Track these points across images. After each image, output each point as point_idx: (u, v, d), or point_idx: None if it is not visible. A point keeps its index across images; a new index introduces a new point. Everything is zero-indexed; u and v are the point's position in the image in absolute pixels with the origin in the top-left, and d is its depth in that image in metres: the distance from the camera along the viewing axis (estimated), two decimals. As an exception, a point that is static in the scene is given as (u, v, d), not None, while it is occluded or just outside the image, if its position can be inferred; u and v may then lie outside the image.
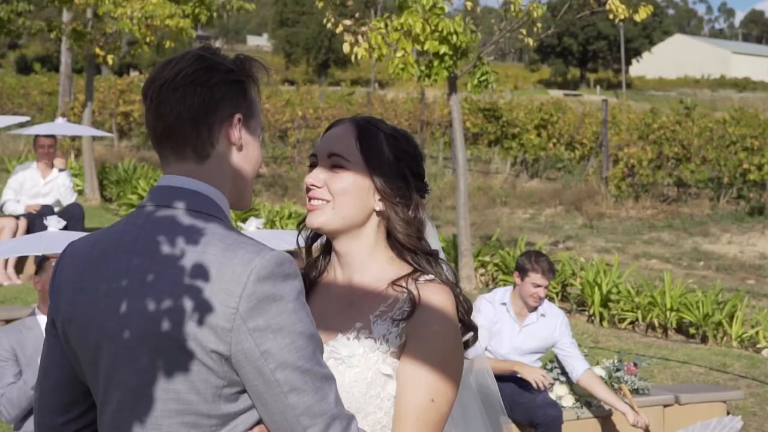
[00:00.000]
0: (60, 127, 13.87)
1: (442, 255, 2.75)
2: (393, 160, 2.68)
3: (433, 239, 2.77)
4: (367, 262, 2.68)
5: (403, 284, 2.59)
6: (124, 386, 2.26)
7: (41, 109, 28.71)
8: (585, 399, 7.87)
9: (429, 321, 2.53)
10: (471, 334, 2.70)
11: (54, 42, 18.31)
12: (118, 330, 2.26)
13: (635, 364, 8.29)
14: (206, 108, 2.32)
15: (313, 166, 2.71)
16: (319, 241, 2.79)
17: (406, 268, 2.66)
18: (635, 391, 8.20)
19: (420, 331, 2.53)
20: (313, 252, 2.83)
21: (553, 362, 7.85)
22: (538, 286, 7.35)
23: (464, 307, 2.65)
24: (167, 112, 2.32)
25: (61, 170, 12.51)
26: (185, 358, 2.19)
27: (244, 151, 2.41)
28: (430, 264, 2.66)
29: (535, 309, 7.46)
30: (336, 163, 2.67)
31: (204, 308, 2.16)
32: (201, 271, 2.18)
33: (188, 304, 2.17)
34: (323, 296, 2.72)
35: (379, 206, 2.67)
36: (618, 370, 8.14)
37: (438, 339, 2.53)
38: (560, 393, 7.86)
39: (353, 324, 2.59)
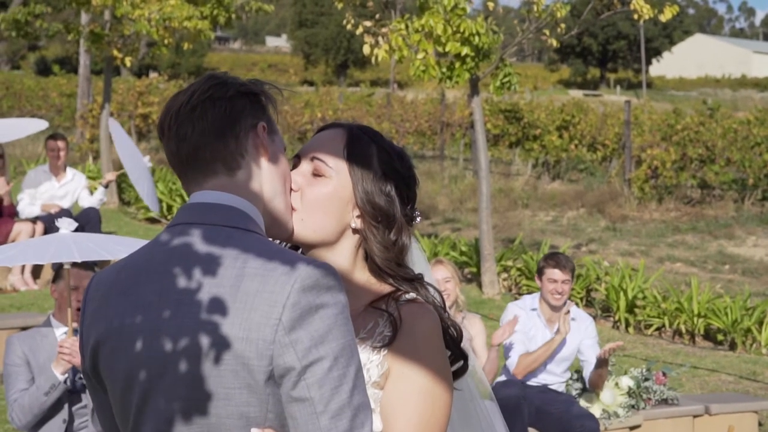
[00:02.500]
0: None
1: (433, 278, 2.51)
2: (380, 176, 2.43)
3: (420, 263, 2.53)
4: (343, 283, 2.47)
5: (383, 305, 2.35)
6: (159, 416, 2.13)
7: (60, 111, 28.67)
8: (613, 410, 7.68)
9: (413, 345, 2.29)
10: (461, 363, 2.46)
11: (73, 44, 18.23)
12: (150, 357, 2.12)
13: (664, 374, 8.12)
14: (229, 118, 2.23)
15: (295, 168, 2.47)
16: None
17: (386, 289, 2.41)
18: (664, 401, 8.03)
19: (403, 358, 2.29)
20: None
21: (579, 372, 7.67)
22: (555, 281, 7.22)
23: (453, 332, 2.41)
24: (190, 132, 2.22)
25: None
26: (226, 381, 2.05)
27: (274, 163, 2.29)
28: (415, 288, 2.41)
29: (558, 309, 7.29)
30: (316, 169, 2.42)
31: (246, 323, 2.03)
32: (242, 286, 2.05)
33: (229, 321, 2.04)
34: None
35: (356, 223, 2.42)
36: (647, 379, 7.98)
37: (424, 365, 2.29)
38: (588, 403, 7.69)
39: None
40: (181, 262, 2.13)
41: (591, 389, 7.52)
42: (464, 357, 2.46)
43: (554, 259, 7.28)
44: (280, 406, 2.07)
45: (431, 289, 2.45)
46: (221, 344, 2.04)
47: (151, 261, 2.18)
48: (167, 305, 2.11)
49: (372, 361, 2.30)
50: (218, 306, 2.06)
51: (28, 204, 11.98)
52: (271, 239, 2.28)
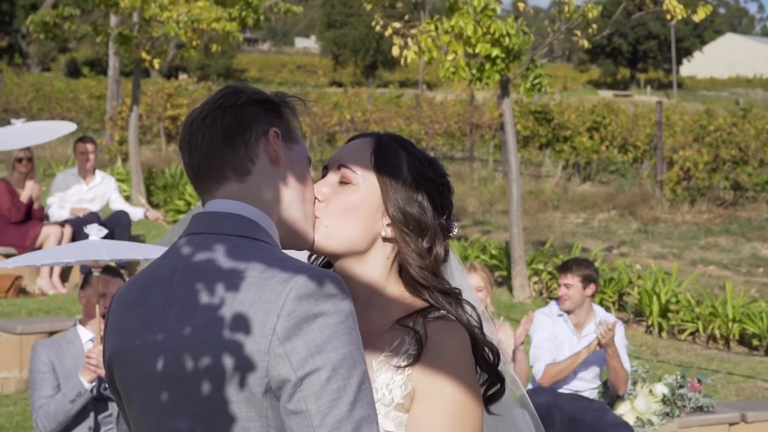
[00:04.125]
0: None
1: (474, 297, 2.39)
2: (411, 183, 2.32)
3: (460, 278, 2.41)
4: (373, 297, 2.32)
5: (410, 322, 2.24)
6: (162, 430, 2.09)
7: (90, 113, 28.71)
8: (647, 418, 7.57)
9: (438, 365, 2.18)
10: (498, 386, 2.32)
11: (103, 46, 18.22)
12: (153, 372, 2.08)
13: (699, 381, 8.00)
14: (239, 124, 2.19)
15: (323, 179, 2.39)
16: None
17: (419, 305, 2.29)
18: (699, 409, 7.91)
19: (428, 378, 2.17)
20: None
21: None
22: (560, 285, 7.25)
23: (488, 353, 2.28)
24: (200, 140, 2.20)
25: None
26: (225, 394, 1.99)
27: (290, 171, 2.22)
28: (450, 304, 2.29)
29: (570, 312, 7.24)
30: (343, 177, 2.33)
31: (242, 335, 1.97)
32: (239, 296, 1.99)
33: (226, 334, 1.98)
34: None
35: (387, 232, 2.32)
36: (681, 386, 7.87)
37: (451, 386, 2.17)
38: (620, 411, 7.58)
39: None
40: (184, 273, 2.11)
41: (612, 390, 7.41)
42: (502, 380, 2.34)
43: (566, 264, 7.41)
44: (280, 420, 2.00)
45: (467, 307, 2.33)
46: (218, 357, 1.99)
47: (160, 272, 2.17)
48: (169, 318, 2.08)
49: (395, 381, 2.20)
50: (215, 317, 2.02)
51: (58, 207, 11.97)
52: (284, 248, 2.21)
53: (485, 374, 2.29)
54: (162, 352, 2.07)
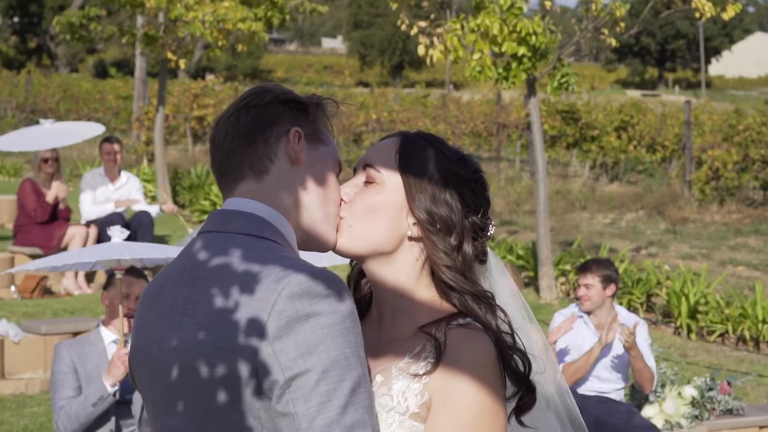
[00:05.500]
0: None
1: (511, 301, 2.30)
2: (438, 180, 2.24)
3: (499, 280, 2.31)
4: (402, 301, 2.24)
5: (433, 329, 2.15)
6: (166, 429, 2.09)
7: (117, 113, 28.83)
8: (676, 420, 7.47)
9: (456, 374, 2.09)
10: (527, 397, 2.22)
11: (130, 47, 18.27)
12: (158, 371, 2.08)
13: (729, 383, 7.90)
14: (260, 123, 2.17)
15: None
16: None
17: (447, 310, 2.21)
18: (728, 412, 7.80)
19: (446, 388, 2.09)
20: (363, 287, 2.39)
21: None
22: (580, 285, 7.17)
23: (517, 364, 2.18)
24: (222, 138, 2.20)
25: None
26: (220, 395, 1.97)
27: (311, 171, 2.18)
28: (480, 308, 2.19)
29: (592, 313, 7.15)
30: (368, 177, 2.27)
31: (233, 334, 1.94)
32: (236, 295, 1.98)
33: (219, 333, 1.97)
34: None
35: (413, 231, 2.23)
36: (711, 389, 7.77)
37: (469, 397, 2.08)
38: (649, 414, 7.49)
39: (374, 376, 2.15)
40: (190, 272, 2.11)
41: (639, 389, 7.33)
42: (533, 389, 2.23)
43: (582, 263, 7.38)
44: (273, 422, 1.95)
45: (500, 313, 2.23)
46: (211, 356, 1.97)
47: (173, 271, 2.17)
48: (175, 317, 2.08)
49: (411, 389, 2.12)
50: (212, 316, 2.00)
51: (92, 204, 11.96)
52: (304, 250, 2.19)
53: (514, 386, 2.20)
54: (166, 351, 2.07)
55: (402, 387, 2.12)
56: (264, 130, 2.18)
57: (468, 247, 2.24)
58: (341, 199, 2.26)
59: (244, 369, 1.94)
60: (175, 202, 17.70)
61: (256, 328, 1.94)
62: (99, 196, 12.09)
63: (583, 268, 7.22)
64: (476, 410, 2.09)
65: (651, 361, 7.11)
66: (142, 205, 12.20)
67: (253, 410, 1.95)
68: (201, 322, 2.01)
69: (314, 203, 2.19)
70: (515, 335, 2.23)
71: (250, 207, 2.14)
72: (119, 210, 11.99)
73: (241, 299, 1.97)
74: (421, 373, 2.12)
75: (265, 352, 1.92)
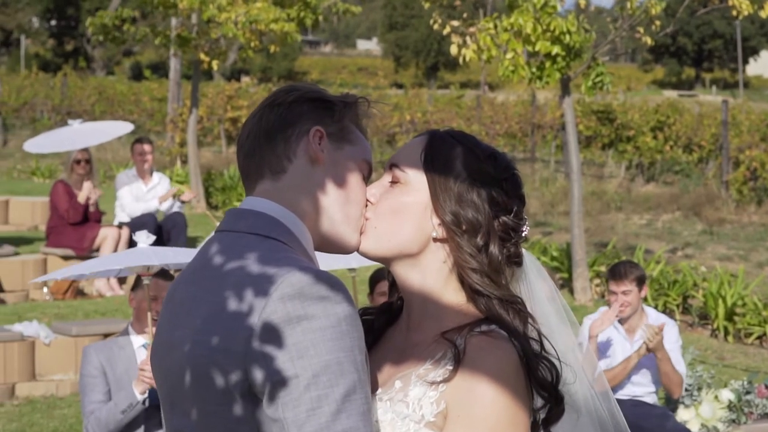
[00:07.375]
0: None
1: (548, 309, 2.21)
2: (465, 179, 2.15)
3: (536, 280, 2.22)
4: (428, 305, 2.15)
5: (454, 336, 2.06)
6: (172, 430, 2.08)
7: (151, 115, 28.95)
8: (712, 425, 7.35)
9: (473, 383, 2.00)
10: (555, 407, 2.13)
11: (165, 49, 18.29)
12: (165, 371, 2.07)
13: (767, 386, 7.77)
14: (282, 121, 2.12)
15: None
16: None
17: (473, 315, 2.12)
18: (766, 416, 7.68)
19: (462, 397, 2.00)
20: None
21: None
22: (615, 293, 6.96)
23: (543, 373, 2.08)
24: (245, 137, 2.16)
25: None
26: (215, 397, 1.92)
27: (332, 171, 2.11)
28: (508, 313, 2.10)
29: (625, 319, 7.01)
30: (393, 177, 2.20)
31: (226, 335, 1.90)
32: (232, 295, 1.94)
33: (213, 333, 1.94)
34: (387, 343, 2.21)
35: (438, 232, 2.14)
36: (748, 392, 7.65)
37: (484, 409, 1.99)
38: (685, 417, 7.37)
39: (394, 382, 2.08)
40: (199, 271, 2.08)
41: (668, 394, 7.21)
42: (560, 400, 2.14)
43: (613, 269, 7.08)
44: (266, 427, 1.90)
45: (530, 319, 2.14)
46: (205, 357, 1.95)
47: (188, 270, 2.16)
48: (181, 316, 2.06)
49: (427, 397, 2.04)
50: (209, 316, 1.98)
51: (131, 201, 11.97)
52: (324, 251, 2.15)
53: (539, 396, 2.11)
54: (172, 350, 2.05)
55: (418, 394, 2.04)
56: (284, 129, 2.14)
57: (495, 249, 2.15)
58: (368, 200, 2.19)
59: (235, 372, 1.89)
60: (208, 204, 17.72)
61: (247, 329, 1.89)
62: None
63: (618, 275, 6.98)
64: (492, 422, 2.00)
65: (681, 366, 6.96)
66: (165, 205, 12.12)
67: (246, 414, 1.91)
68: (200, 321, 1.99)
69: (334, 204, 2.13)
70: (544, 342, 2.14)
71: (263, 206, 2.09)
72: (151, 210, 11.98)
73: (235, 299, 1.94)
74: (438, 380, 2.04)
75: (254, 355, 1.88)
